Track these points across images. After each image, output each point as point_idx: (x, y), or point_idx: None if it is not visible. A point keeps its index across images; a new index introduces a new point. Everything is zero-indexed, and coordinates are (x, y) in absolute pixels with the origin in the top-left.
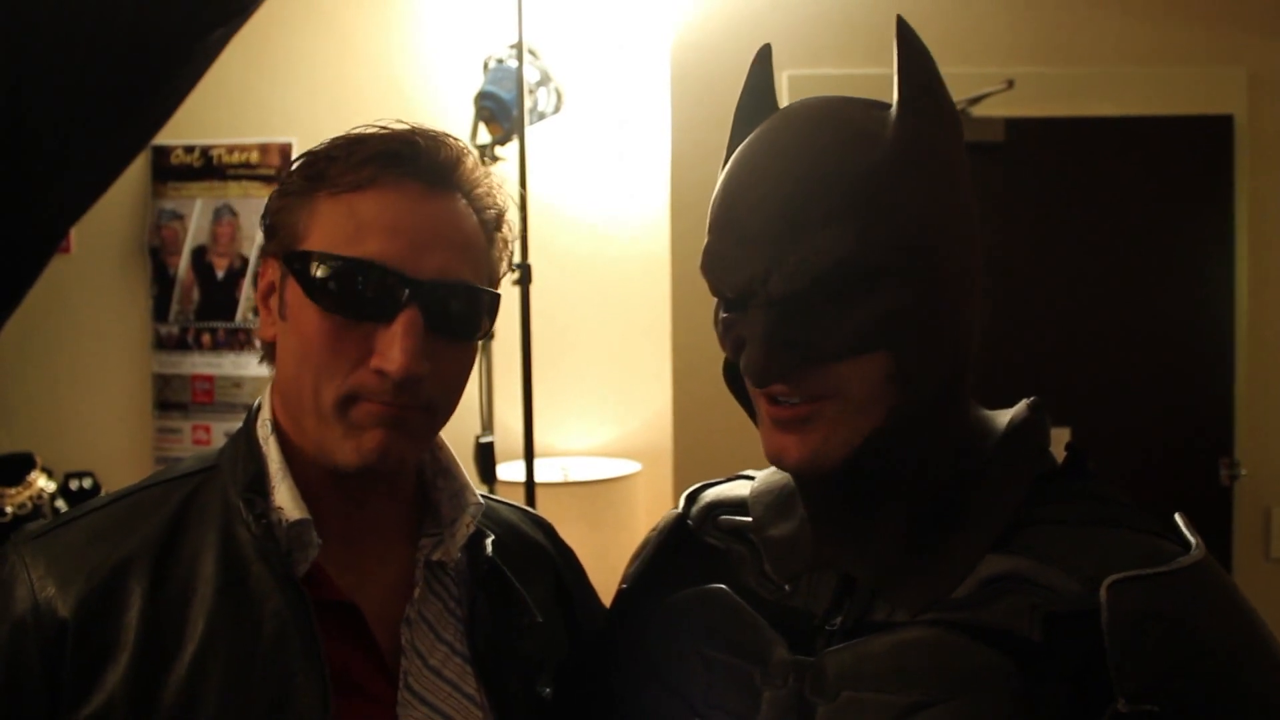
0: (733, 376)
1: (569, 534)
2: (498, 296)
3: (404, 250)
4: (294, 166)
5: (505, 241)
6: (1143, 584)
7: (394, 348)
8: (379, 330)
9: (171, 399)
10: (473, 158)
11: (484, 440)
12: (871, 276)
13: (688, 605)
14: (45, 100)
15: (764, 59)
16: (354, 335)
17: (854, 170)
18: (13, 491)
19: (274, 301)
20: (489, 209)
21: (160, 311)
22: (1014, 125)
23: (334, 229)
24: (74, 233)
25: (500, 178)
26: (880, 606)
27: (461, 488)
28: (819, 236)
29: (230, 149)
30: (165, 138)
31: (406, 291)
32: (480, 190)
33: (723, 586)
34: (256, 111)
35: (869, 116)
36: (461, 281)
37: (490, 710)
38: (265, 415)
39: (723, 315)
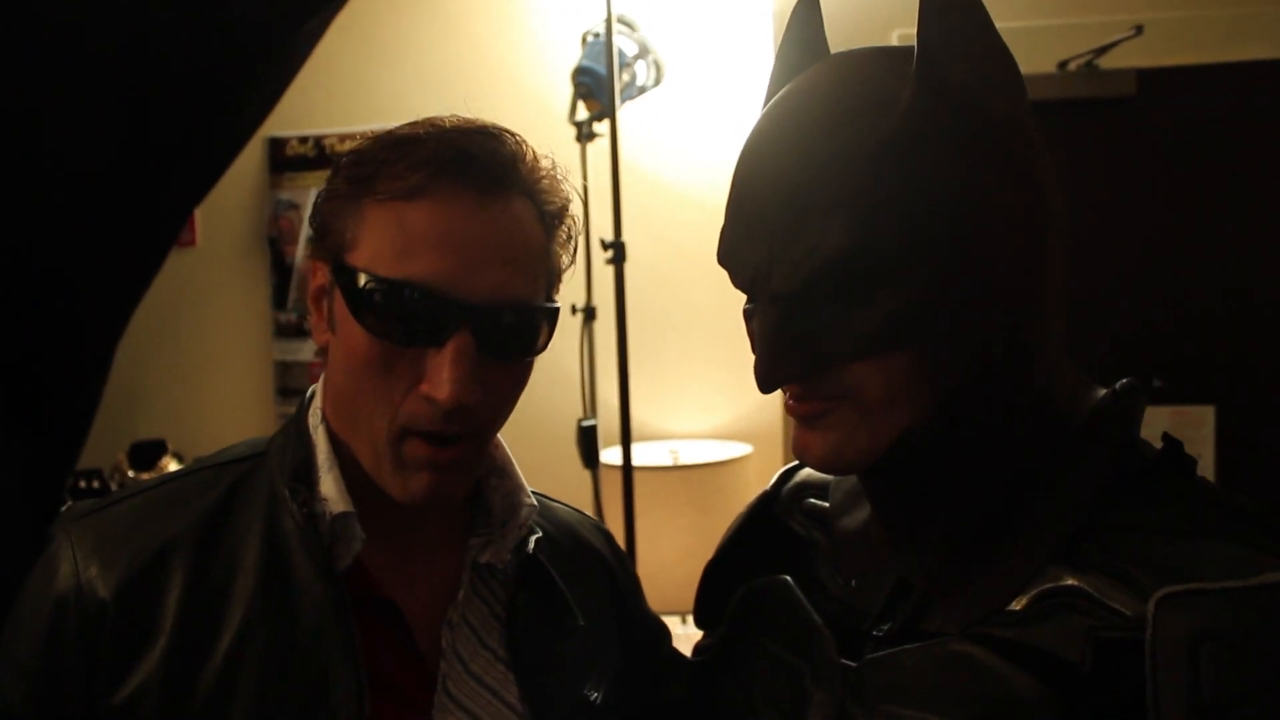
0: None
1: (677, 518)
2: (556, 310)
3: (456, 269)
4: (341, 165)
5: (569, 234)
6: (1203, 599)
7: (443, 375)
8: (429, 354)
9: (291, 385)
10: (532, 151)
11: (586, 424)
12: (880, 270)
13: (757, 596)
14: (162, 98)
15: (810, 2)
16: (403, 359)
17: (860, 146)
18: (146, 476)
19: (324, 306)
20: (551, 203)
21: (279, 300)
22: (1146, 76)
23: (382, 242)
24: (198, 226)
25: (601, 154)
26: (934, 615)
27: (515, 488)
28: (819, 227)
29: (341, 138)
30: (280, 129)
31: (458, 315)
32: (543, 184)
33: (787, 579)
34: (366, 99)
35: (901, 76)
36: (517, 300)
37: (530, 718)
38: (317, 404)
39: (745, 306)
